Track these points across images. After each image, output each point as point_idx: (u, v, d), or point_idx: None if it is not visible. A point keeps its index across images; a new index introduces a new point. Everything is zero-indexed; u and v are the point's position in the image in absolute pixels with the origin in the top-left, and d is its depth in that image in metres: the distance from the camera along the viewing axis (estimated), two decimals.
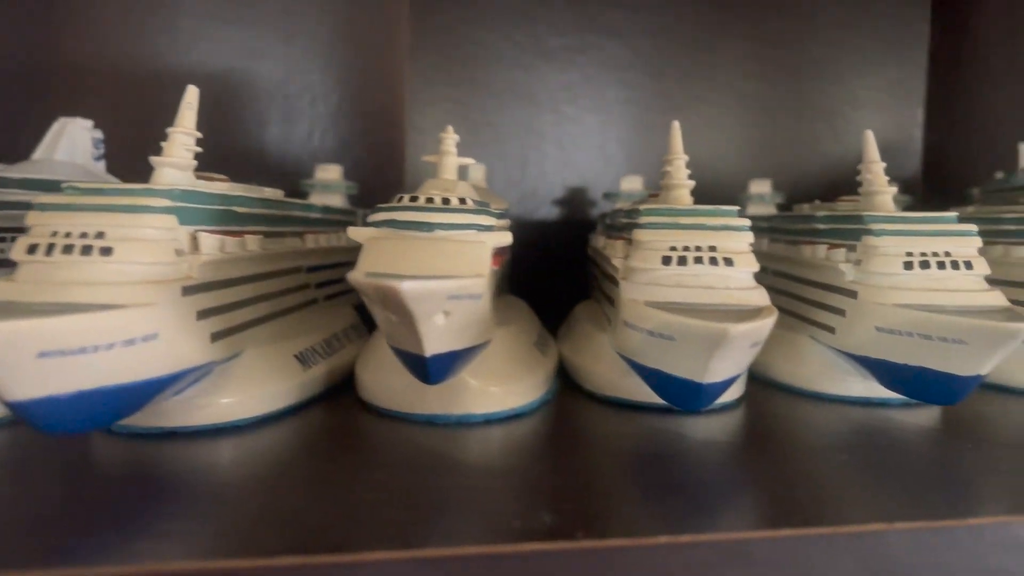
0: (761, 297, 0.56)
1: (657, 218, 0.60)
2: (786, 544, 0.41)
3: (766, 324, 0.50)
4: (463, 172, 0.71)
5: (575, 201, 1.12)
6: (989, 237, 0.76)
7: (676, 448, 0.56)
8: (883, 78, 1.16)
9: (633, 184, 1.02)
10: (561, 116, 1.11)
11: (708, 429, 0.60)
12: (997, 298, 0.59)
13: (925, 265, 0.60)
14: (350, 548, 0.38)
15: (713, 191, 1.15)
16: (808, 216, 0.76)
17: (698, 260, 0.57)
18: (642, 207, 0.62)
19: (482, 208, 0.57)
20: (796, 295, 0.75)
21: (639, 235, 0.60)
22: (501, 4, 1.09)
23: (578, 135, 1.11)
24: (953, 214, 0.64)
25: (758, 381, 0.74)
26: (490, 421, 0.60)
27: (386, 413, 0.61)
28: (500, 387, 0.61)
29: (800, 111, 1.15)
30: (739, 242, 0.58)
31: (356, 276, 0.45)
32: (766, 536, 0.41)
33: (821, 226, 0.73)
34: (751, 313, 0.52)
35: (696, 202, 0.64)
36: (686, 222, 0.59)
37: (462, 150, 1.11)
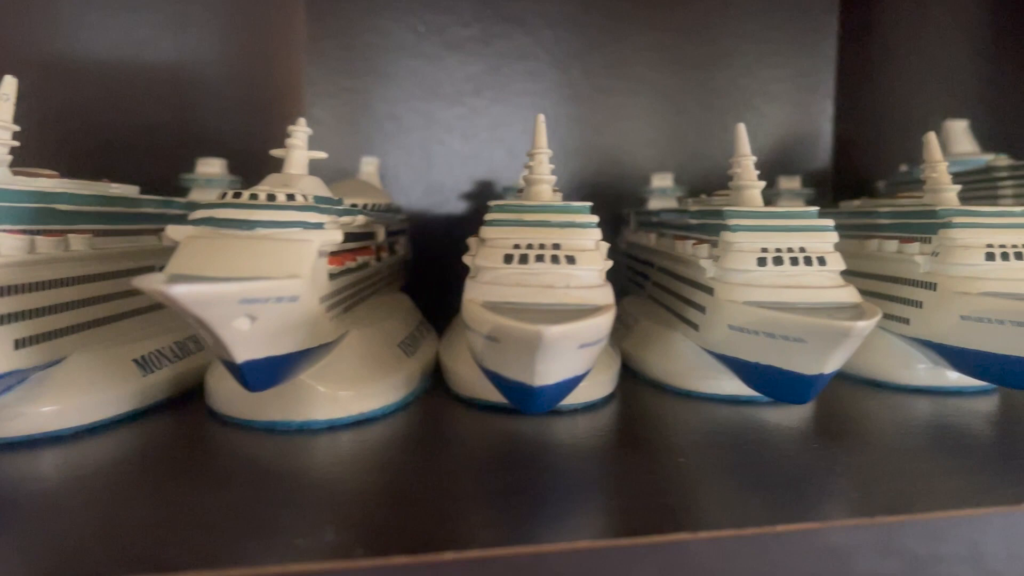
0: (604, 296, 0.54)
1: (504, 215, 0.58)
2: (582, 557, 0.39)
3: (590, 324, 0.48)
4: (308, 163, 0.65)
5: (482, 195, 1.09)
6: (867, 231, 0.75)
7: (517, 452, 0.54)
8: (792, 69, 1.15)
9: None
10: (466, 108, 1.09)
11: (562, 431, 0.58)
12: (850, 294, 0.58)
13: (779, 261, 0.59)
14: (100, 573, 0.35)
15: (620, 184, 1.14)
16: (683, 211, 0.74)
17: (539, 258, 0.55)
18: (492, 204, 0.60)
19: (314, 205, 0.55)
20: (672, 291, 0.74)
21: (485, 232, 0.58)
22: None
23: (484, 127, 1.09)
24: (813, 209, 0.62)
25: (638, 378, 0.72)
26: (335, 427, 0.58)
27: (229, 420, 0.58)
28: (349, 391, 0.59)
29: (709, 102, 1.14)
30: (583, 239, 0.56)
31: (144, 280, 0.42)
32: (560, 549, 0.39)
33: (693, 221, 0.71)
34: (582, 313, 0.50)
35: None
36: (531, 219, 0.57)
37: (364, 143, 1.08)
